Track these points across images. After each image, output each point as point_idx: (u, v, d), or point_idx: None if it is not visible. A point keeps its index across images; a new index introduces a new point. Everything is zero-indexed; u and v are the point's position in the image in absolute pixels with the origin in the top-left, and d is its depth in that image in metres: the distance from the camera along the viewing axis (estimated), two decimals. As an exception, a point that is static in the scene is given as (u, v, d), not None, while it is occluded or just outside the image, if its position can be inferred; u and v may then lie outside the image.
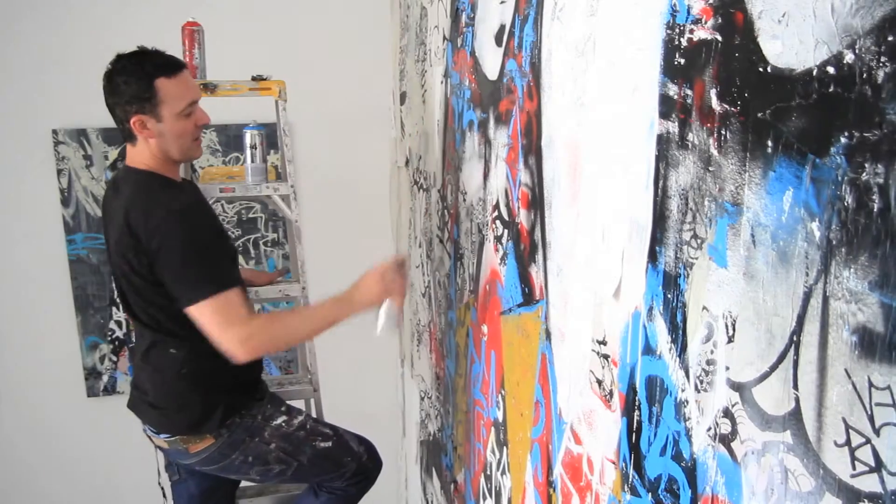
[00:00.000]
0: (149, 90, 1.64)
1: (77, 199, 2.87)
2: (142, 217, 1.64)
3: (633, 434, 1.04)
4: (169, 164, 1.76)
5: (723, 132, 0.80)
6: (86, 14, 2.74)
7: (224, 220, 3.01)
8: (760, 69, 0.73)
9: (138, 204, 1.67)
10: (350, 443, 1.96)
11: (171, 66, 1.69)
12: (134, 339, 1.99)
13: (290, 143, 2.19)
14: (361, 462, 1.96)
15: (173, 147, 1.72)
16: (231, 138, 2.91)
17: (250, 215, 3.05)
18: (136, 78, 1.64)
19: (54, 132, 2.80)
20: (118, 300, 1.79)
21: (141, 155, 1.73)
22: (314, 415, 2.23)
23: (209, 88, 2.03)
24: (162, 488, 2.03)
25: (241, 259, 3.05)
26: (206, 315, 1.64)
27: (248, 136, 2.11)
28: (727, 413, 0.82)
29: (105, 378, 3.03)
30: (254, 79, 2.10)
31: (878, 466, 0.61)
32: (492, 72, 1.63)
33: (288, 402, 1.98)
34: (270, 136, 2.31)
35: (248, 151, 2.12)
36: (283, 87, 2.12)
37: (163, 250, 1.63)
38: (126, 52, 1.68)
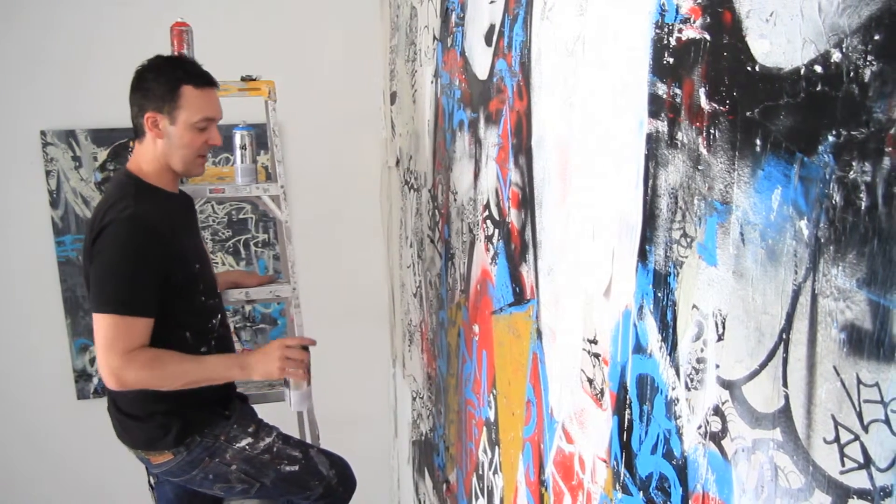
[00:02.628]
0: (172, 92, 1.67)
1: (66, 200, 2.85)
2: (100, 215, 1.65)
3: (625, 433, 1.05)
4: (165, 173, 1.75)
5: (712, 131, 0.80)
6: (73, 15, 2.72)
7: (215, 220, 3.00)
8: (749, 68, 0.73)
9: (104, 203, 1.68)
10: (319, 466, 1.91)
11: (201, 78, 1.72)
12: None
13: (280, 143, 2.18)
14: (330, 486, 1.92)
15: (175, 155, 1.72)
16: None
17: (241, 216, 3.04)
18: (166, 78, 1.68)
19: (42, 133, 2.78)
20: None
21: (143, 155, 1.73)
22: (305, 416, 2.22)
23: (198, 89, 2.02)
24: (152, 488, 2.02)
25: (231, 260, 3.05)
26: (97, 328, 1.62)
27: (238, 137, 2.10)
28: (717, 411, 0.82)
29: (95, 380, 3.01)
30: (243, 79, 2.09)
31: (867, 463, 0.61)
32: (482, 71, 1.63)
33: (270, 406, 1.94)
34: (260, 137, 2.30)
35: (238, 152, 2.11)
36: (273, 88, 2.11)
37: (97, 246, 1.62)
38: (165, 55, 1.74)
